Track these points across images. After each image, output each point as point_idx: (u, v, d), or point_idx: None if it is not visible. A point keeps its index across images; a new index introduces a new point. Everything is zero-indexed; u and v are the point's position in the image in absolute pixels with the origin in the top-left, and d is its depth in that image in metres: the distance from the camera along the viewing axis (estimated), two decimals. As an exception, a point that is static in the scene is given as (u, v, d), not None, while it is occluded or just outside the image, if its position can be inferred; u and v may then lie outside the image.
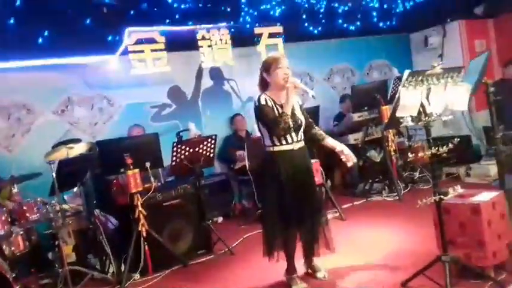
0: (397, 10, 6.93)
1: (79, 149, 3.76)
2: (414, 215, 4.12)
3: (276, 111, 2.85)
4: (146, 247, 3.68)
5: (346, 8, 6.28)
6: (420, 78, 2.37)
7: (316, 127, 3.14)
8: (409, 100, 2.36)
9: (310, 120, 3.11)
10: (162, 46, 4.76)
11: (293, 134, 2.88)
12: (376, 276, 3.01)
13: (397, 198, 4.92)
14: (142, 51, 4.69)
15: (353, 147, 5.54)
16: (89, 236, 3.88)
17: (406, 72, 2.33)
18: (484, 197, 2.71)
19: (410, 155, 2.47)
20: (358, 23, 6.51)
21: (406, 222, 4.02)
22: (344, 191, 5.71)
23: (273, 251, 2.95)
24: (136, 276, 3.66)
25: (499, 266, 2.66)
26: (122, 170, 3.69)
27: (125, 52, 4.78)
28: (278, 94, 2.91)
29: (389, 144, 5.13)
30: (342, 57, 6.75)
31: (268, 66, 2.91)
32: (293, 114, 2.89)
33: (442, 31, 6.98)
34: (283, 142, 2.87)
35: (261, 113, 2.86)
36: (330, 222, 4.23)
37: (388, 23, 6.92)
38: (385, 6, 6.62)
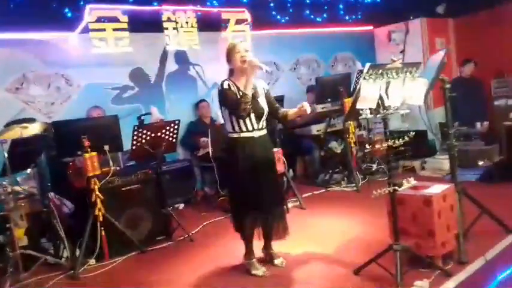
0: (363, 4, 7.03)
1: (34, 129, 3.59)
2: (371, 206, 4.21)
3: (239, 96, 2.86)
4: (102, 232, 3.61)
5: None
6: (380, 71, 2.42)
7: (281, 108, 3.18)
8: (369, 92, 2.41)
9: (277, 105, 3.15)
10: (125, 26, 4.60)
11: (254, 122, 2.91)
12: (331, 264, 3.10)
13: (355, 189, 5.06)
14: (103, 30, 4.51)
15: (315, 138, 5.70)
16: (42, 220, 3.74)
17: (367, 65, 2.37)
18: (436, 189, 2.83)
19: (367, 146, 2.53)
20: (325, 15, 6.56)
21: (363, 212, 4.14)
22: (305, 180, 5.80)
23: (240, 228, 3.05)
24: (92, 261, 3.58)
25: (447, 256, 2.80)
26: (79, 152, 3.58)
27: (86, 30, 4.59)
28: (241, 80, 2.91)
29: (350, 136, 5.25)
30: (308, 48, 6.79)
31: (228, 54, 2.96)
32: (256, 101, 2.92)
33: (404, 28, 7.18)
34: (244, 129, 2.90)
35: (223, 96, 2.90)
36: (290, 211, 4.37)
37: (354, 16, 7.03)
38: (351, -1, 6.70)
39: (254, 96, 2.92)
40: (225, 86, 2.90)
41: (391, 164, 2.68)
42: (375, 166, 5.65)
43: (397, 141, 2.62)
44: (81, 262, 3.47)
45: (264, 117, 2.98)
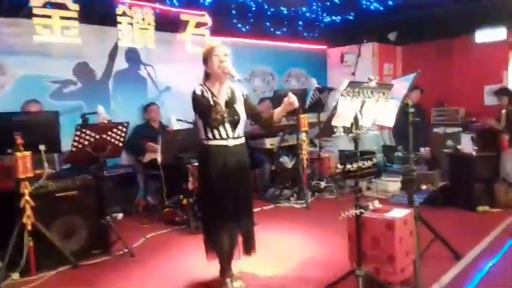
0: (321, 24, 7.14)
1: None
2: (322, 223, 4.22)
3: (212, 103, 2.65)
4: (30, 243, 3.17)
5: (276, 11, 6.26)
6: (357, 89, 2.33)
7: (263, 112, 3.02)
8: (345, 110, 2.31)
9: (257, 109, 2.98)
10: (75, 15, 4.16)
11: (228, 129, 2.70)
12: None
13: (305, 205, 4.99)
14: (49, 17, 4.05)
15: (267, 152, 5.59)
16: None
17: (346, 81, 2.28)
18: (397, 213, 2.79)
19: (339, 166, 2.42)
20: (284, 29, 6.54)
21: (316, 230, 4.07)
22: (254, 194, 5.62)
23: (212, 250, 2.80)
24: (15, 275, 3.13)
25: (405, 282, 2.75)
26: (10, 150, 3.13)
27: (29, 15, 4.11)
28: (216, 84, 2.70)
29: (303, 152, 5.20)
30: (264, 60, 6.74)
31: (205, 56, 2.75)
32: (231, 108, 2.71)
33: (357, 50, 7.38)
34: (217, 137, 2.69)
35: (195, 103, 2.69)
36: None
37: (311, 34, 7.09)
38: (313, 16, 6.75)
39: (230, 103, 2.72)
40: (198, 92, 2.69)
41: (357, 186, 2.59)
42: (323, 183, 5.64)
43: (366, 163, 2.54)
44: (2, 276, 3.05)
45: (241, 125, 2.75)
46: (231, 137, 2.71)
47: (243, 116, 2.77)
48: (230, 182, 2.70)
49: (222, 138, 2.69)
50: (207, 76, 2.77)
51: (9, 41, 4.30)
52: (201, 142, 2.77)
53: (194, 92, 2.69)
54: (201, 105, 2.65)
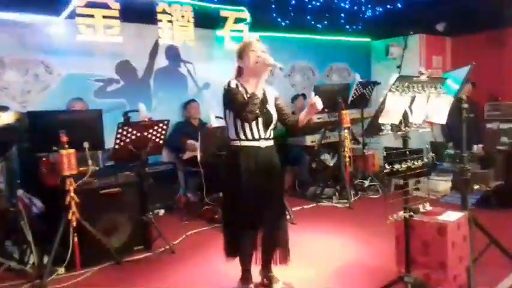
0: (365, 16, 6.87)
1: (5, 118, 3.25)
2: (365, 224, 4.06)
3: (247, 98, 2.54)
4: (75, 238, 3.23)
5: (317, 4, 6.08)
6: (407, 84, 2.17)
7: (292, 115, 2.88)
8: (394, 106, 2.16)
9: (287, 112, 2.84)
10: (116, 13, 4.21)
11: (261, 129, 2.59)
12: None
13: (348, 205, 4.83)
14: (92, 16, 4.11)
15: (308, 149, 5.46)
16: (8, 220, 3.34)
17: (394, 76, 2.12)
18: (450, 216, 2.61)
19: (387, 166, 2.26)
20: (326, 22, 6.35)
21: (359, 232, 3.91)
22: (294, 192, 5.54)
23: (236, 253, 2.70)
24: (61, 270, 3.20)
25: (457, 290, 2.57)
26: (55, 148, 3.20)
27: (72, 16, 4.20)
28: (252, 83, 2.60)
29: (345, 149, 5.03)
30: (304, 55, 6.57)
31: (240, 51, 2.64)
32: (265, 108, 2.60)
33: (403, 43, 7.05)
34: (249, 137, 2.57)
35: (229, 96, 2.56)
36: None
37: (354, 26, 6.85)
38: (355, 8, 6.51)
39: (263, 102, 2.60)
40: (232, 85, 2.58)
41: (406, 187, 2.42)
42: (367, 182, 5.44)
43: (415, 163, 2.37)
44: (49, 270, 3.10)
45: (272, 126, 2.66)
46: (263, 137, 2.60)
47: (274, 117, 2.66)
48: (261, 184, 2.58)
49: (254, 139, 2.58)
50: (240, 72, 2.67)
51: (53, 41, 4.41)
52: (230, 142, 2.64)
53: (229, 85, 2.58)
54: (236, 98, 2.52)
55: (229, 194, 2.69)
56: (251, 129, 2.56)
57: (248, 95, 2.54)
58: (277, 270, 2.88)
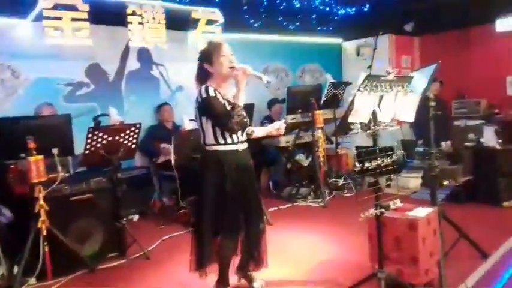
0: (335, 17, 6.98)
1: (-31, 125, 3.11)
2: (340, 223, 4.11)
3: (226, 105, 2.51)
4: (46, 247, 3.14)
5: (288, 5, 6.13)
6: (375, 83, 2.22)
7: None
8: (363, 106, 2.20)
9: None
10: (85, 15, 4.13)
11: (239, 133, 2.58)
12: (305, 289, 2.85)
13: (322, 204, 4.88)
14: (59, 19, 4.03)
15: (282, 149, 5.49)
16: (-25, 231, 3.24)
17: (363, 75, 2.16)
18: (420, 212, 2.67)
19: (357, 164, 2.30)
20: (297, 24, 6.41)
21: (334, 230, 3.97)
22: (269, 193, 5.56)
23: (205, 263, 2.62)
24: (32, 280, 3.12)
25: (429, 284, 2.63)
26: (23, 155, 3.10)
27: (39, 18, 4.10)
28: (222, 86, 2.58)
29: (319, 149, 5.08)
30: (277, 56, 6.62)
31: (209, 55, 2.57)
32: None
33: (373, 43, 7.18)
34: (229, 141, 2.55)
35: (210, 105, 2.48)
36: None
37: (325, 28, 6.94)
38: (326, 9, 6.60)
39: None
40: (211, 93, 2.48)
41: (376, 185, 2.47)
42: (341, 181, 5.51)
43: (385, 160, 2.42)
44: (19, 281, 3.02)
45: (247, 129, 2.67)
46: (240, 141, 2.60)
47: (248, 119, 2.64)
48: (241, 187, 2.58)
49: (233, 143, 2.56)
50: (208, 75, 2.59)
51: (20, 44, 4.29)
52: (207, 147, 2.58)
53: (207, 93, 2.48)
54: (218, 109, 2.47)
55: (208, 199, 2.57)
56: (230, 134, 2.54)
57: (230, 106, 2.50)
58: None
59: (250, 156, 2.73)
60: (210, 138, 2.56)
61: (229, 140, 2.55)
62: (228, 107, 2.50)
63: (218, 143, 2.55)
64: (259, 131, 2.84)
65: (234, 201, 2.55)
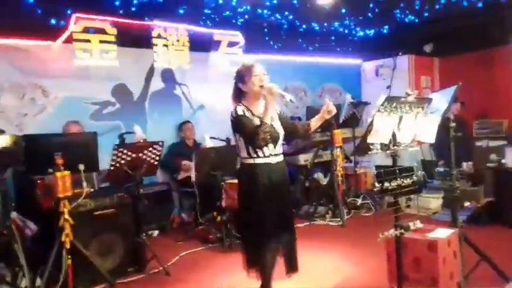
0: (355, 38, 7.06)
1: (1, 141, 3.24)
2: (358, 243, 4.08)
3: (255, 122, 2.65)
4: (69, 260, 3.22)
5: (308, 27, 6.24)
6: (395, 104, 2.25)
7: (300, 123, 3.02)
8: (382, 126, 2.23)
9: (292, 121, 3.01)
10: (113, 38, 4.33)
11: (271, 147, 2.70)
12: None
13: (341, 223, 4.86)
14: (88, 41, 4.22)
15: (301, 168, 5.52)
16: (1, 242, 3.33)
17: (382, 96, 2.21)
18: (440, 233, 2.66)
19: (377, 184, 2.32)
20: (317, 45, 6.51)
21: (352, 250, 3.94)
22: (288, 211, 5.56)
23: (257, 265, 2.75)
24: (55, 293, 3.19)
25: (450, 306, 2.60)
26: (50, 170, 3.22)
27: (69, 40, 4.30)
28: (255, 104, 2.73)
29: (338, 168, 5.09)
30: (297, 76, 6.72)
31: (242, 76, 2.73)
32: (271, 125, 2.68)
33: (392, 63, 7.22)
34: (261, 155, 2.69)
35: (239, 124, 2.67)
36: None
37: (345, 48, 7.02)
38: (345, 31, 6.70)
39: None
40: (239, 112, 2.67)
41: (396, 205, 2.47)
42: (359, 200, 5.49)
43: (405, 181, 2.43)
44: (42, 293, 3.07)
45: (280, 141, 2.77)
46: (272, 154, 2.72)
47: (281, 132, 2.77)
48: (275, 199, 2.69)
49: (265, 156, 2.69)
50: (240, 94, 2.76)
51: (50, 65, 4.50)
52: (243, 161, 2.75)
53: (236, 112, 2.67)
54: (246, 126, 2.63)
55: (246, 211, 2.76)
56: (262, 148, 2.67)
57: (258, 123, 2.62)
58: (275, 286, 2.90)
59: (286, 168, 2.85)
60: (244, 152, 2.73)
61: (260, 154, 2.68)
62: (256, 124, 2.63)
63: (251, 157, 2.70)
64: (314, 122, 2.91)
65: (267, 213, 2.65)
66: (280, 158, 2.78)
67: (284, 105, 6.48)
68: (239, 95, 2.77)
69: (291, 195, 2.93)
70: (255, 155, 2.69)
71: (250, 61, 2.83)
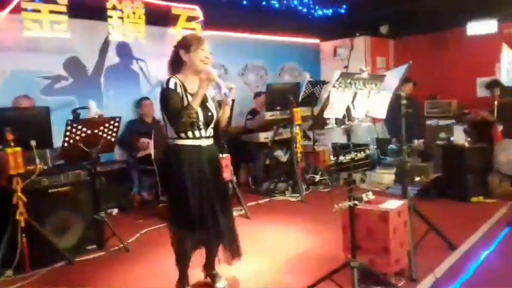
0: (314, 18, 7.12)
1: None
2: (317, 217, 4.23)
3: (185, 100, 2.43)
4: (24, 239, 3.14)
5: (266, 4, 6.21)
6: (349, 80, 2.33)
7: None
8: (338, 102, 2.30)
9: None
10: (64, 9, 4.12)
11: (202, 128, 2.50)
12: (281, 280, 2.93)
13: (300, 199, 5.00)
14: (38, 11, 4.00)
15: (261, 145, 5.58)
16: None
17: (337, 72, 2.27)
18: (391, 205, 2.79)
19: (332, 158, 2.40)
20: (277, 23, 6.52)
21: (310, 224, 4.07)
22: (248, 188, 5.65)
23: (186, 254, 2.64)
24: (9, 272, 3.10)
25: (399, 273, 2.76)
26: (0, 146, 3.11)
27: (17, 10, 4.06)
28: (191, 80, 2.49)
29: (297, 145, 5.20)
30: (258, 55, 6.71)
31: (188, 44, 2.47)
32: (204, 106, 2.50)
33: (350, 44, 7.37)
34: (190, 136, 2.47)
35: (166, 98, 2.41)
36: (235, 220, 4.17)
37: (304, 28, 7.07)
38: (304, 10, 6.73)
39: (203, 101, 2.47)
40: (171, 85, 2.40)
41: (350, 178, 2.58)
42: (318, 177, 5.64)
43: (358, 155, 2.54)
44: (-4, 273, 3.00)
45: (213, 124, 2.58)
46: (203, 136, 2.51)
47: (215, 115, 2.57)
48: (204, 184, 2.48)
49: (194, 138, 2.47)
50: (180, 65, 2.49)
51: (-2, 36, 4.25)
52: (169, 141, 2.50)
53: (167, 83, 2.40)
54: (171, 104, 2.39)
55: (171, 193, 2.59)
56: (192, 129, 2.46)
57: (187, 96, 2.43)
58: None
59: (219, 151, 2.71)
60: (170, 131, 2.50)
61: (190, 135, 2.47)
62: (185, 103, 2.42)
63: (179, 137, 2.47)
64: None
65: (195, 196, 2.45)
66: (211, 140, 2.58)
67: (245, 84, 6.55)
68: (177, 64, 2.51)
69: (222, 181, 2.70)
70: (184, 136, 2.45)
71: (201, 34, 2.72)
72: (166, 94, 2.41)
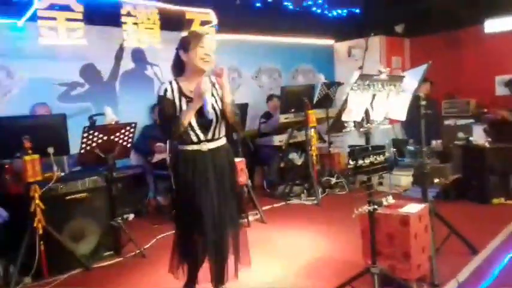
0: (327, 18, 7.06)
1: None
2: (333, 220, 4.17)
3: (178, 105, 2.32)
4: (42, 246, 3.16)
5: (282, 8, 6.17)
6: (367, 82, 2.27)
7: None
8: (356, 104, 2.25)
9: None
10: (79, 16, 4.16)
11: (199, 133, 2.36)
12: (301, 286, 2.89)
13: (316, 202, 4.94)
14: (54, 19, 4.04)
15: (276, 149, 5.55)
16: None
17: (356, 73, 2.22)
18: (411, 208, 2.73)
19: (350, 162, 2.35)
20: (290, 25, 6.47)
21: (327, 228, 4.02)
22: (263, 191, 5.62)
23: (179, 264, 2.58)
24: (28, 280, 3.12)
25: (421, 279, 2.70)
26: (18, 154, 3.13)
27: (33, 18, 4.11)
28: (193, 80, 2.34)
29: (312, 148, 5.14)
30: (271, 57, 6.68)
31: (186, 43, 2.32)
32: (200, 112, 2.32)
33: (364, 44, 7.27)
34: (188, 141, 2.37)
35: (158, 107, 2.38)
36: (251, 224, 4.15)
37: (317, 29, 7.02)
38: (318, 10, 6.68)
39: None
40: (161, 91, 2.32)
41: (369, 182, 2.52)
42: (333, 180, 5.58)
43: (378, 158, 2.48)
44: (15, 281, 3.03)
45: (215, 126, 2.41)
46: (203, 140, 2.38)
47: (215, 117, 2.37)
48: (206, 190, 2.37)
49: (193, 143, 2.37)
50: (181, 66, 2.38)
51: (15, 44, 4.30)
52: (174, 146, 2.47)
53: (158, 92, 2.35)
54: (162, 113, 2.33)
55: (176, 198, 2.56)
56: (188, 134, 2.36)
57: (182, 100, 2.33)
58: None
59: (234, 154, 2.60)
60: None
61: (188, 140, 2.37)
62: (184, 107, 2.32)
63: (180, 143, 2.41)
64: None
65: (192, 201, 2.36)
66: (217, 143, 2.42)
67: (259, 87, 6.52)
68: (179, 66, 2.40)
69: (232, 185, 2.52)
70: (184, 141, 2.37)
71: (203, 31, 2.59)
72: (158, 101, 2.36)
